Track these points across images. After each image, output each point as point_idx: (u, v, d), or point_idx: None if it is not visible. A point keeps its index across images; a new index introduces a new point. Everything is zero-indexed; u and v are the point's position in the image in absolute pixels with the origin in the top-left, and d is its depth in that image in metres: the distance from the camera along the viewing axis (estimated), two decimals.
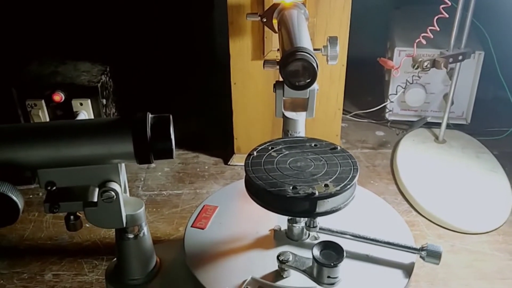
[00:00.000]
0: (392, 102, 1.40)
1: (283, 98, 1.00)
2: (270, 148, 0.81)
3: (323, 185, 0.72)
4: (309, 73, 0.91)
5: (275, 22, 1.17)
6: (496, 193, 1.27)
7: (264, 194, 0.72)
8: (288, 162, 0.78)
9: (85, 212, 0.71)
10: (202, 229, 0.84)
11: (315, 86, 0.98)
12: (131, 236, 0.77)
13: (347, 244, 0.80)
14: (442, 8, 1.17)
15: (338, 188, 0.72)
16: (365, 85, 1.73)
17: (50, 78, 1.43)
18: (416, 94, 1.51)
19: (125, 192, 0.76)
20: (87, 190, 0.71)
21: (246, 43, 1.29)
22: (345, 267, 0.72)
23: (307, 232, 0.82)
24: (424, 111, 1.55)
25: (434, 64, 1.28)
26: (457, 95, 1.47)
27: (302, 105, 1.02)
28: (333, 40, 1.08)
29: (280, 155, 0.80)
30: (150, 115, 0.69)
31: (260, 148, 0.81)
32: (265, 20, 1.18)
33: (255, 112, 1.39)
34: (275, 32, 1.17)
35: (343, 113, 1.61)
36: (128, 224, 0.75)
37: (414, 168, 1.37)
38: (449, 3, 1.16)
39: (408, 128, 1.47)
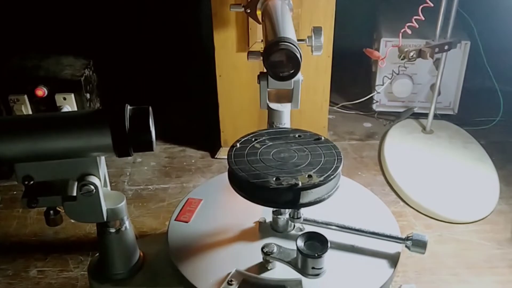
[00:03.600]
0: (378, 93, 1.40)
1: (268, 89, 0.99)
2: (253, 139, 0.80)
3: (306, 176, 0.72)
4: (293, 64, 0.89)
5: (259, 13, 1.15)
6: (483, 183, 1.27)
7: (247, 185, 0.71)
8: (271, 153, 0.77)
9: (64, 207, 0.70)
10: (186, 222, 0.83)
11: (299, 77, 0.97)
12: (112, 230, 0.76)
13: (332, 235, 0.80)
14: None
15: (321, 178, 0.71)
16: (352, 77, 1.72)
17: (33, 73, 1.41)
18: (403, 85, 1.50)
19: (105, 185, 0.75)
20: (66, 184, 0.70)
21: (231, 34, 1.27)
22: (331, 258, 0.72)
23: (292, 223, 0.81)
24: (411, 102, 1.55)
25: (420, 54, 1.27)
26: (444, 85, 1.47)
27: (287, 96, 1.01)
28: (317, 31, 1.06)
29: (264, 146, 0.79)
30: (128, 107, 0.68)
31: (243, 139, 0.80)
32: (249, 11, 1.16)
33: (241, 104, 1.38)
34: (259, 23, 1.15)
35: (330, 105, 1.61)
36: (109, 219, 0.73)
37: (402, 159, 1.36)
38: None
39: (395, 119, 1.47)
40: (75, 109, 1.40)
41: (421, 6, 1.16)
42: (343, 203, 0.84)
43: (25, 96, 1.38)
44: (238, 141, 0.80)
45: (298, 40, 1.10)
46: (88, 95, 1.42)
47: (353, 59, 1.62)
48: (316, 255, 0.69)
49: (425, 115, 1.46)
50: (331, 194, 0.73)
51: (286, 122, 1.01)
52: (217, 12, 1.25)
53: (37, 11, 1.61)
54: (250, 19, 1.21)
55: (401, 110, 1.55)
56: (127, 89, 1.66)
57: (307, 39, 1.08)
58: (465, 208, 1.20)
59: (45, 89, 1.37)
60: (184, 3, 1.72)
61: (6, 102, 1.39)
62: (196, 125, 1.56)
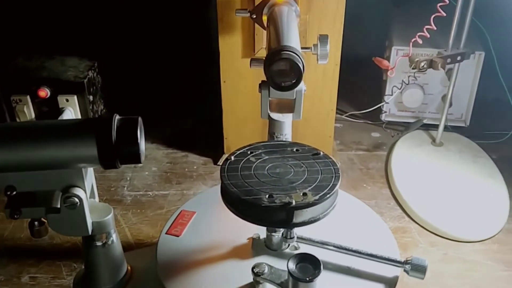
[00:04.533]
0: (387, 103, 1.35)
1: (269, 98, 0.95)
2: (249, 152, 0.77)
3: (301, 194, 0.68)
4: (295, 74, 0.86)
5: (264, 18, 1.12)
6: (493, 200, 1.23)
7: (239, 202, 0.68)
8: (266, 168, 0.74)
9: (48, 219, 0.67)
10: (177, 236, 0.80)
11: (302, 86, 0.94)
12: (99, 243, 0.73)
13: (328, 255, 0.76)
14: (440, 6, 1.12)
15: (316, 197, 0.68)
16: (363, 85, 1.68)
17: (36, 73, 1.39)
18: (414, 95, 1.46)
19: (92, 197, 0.72)
20: (50, 195, 0.67)
21: (236, 40, 1.24)
22: (325, 280, 0.68)
23: (295, 236, 0.78)
24: (421, 113, 1.51)
25: (431, 64, 1.23)
26: (456, 96, 1.43)
27: (289, 106, 0.97)
28: (323, 39, 1.03)
29: (259, 160, 0.75)
30: (117, 117, 0.65)
31: (238, 152, 0.77)
32: (254, 16, 1.13)
33: (246, 111, 1.34)
34: (265, 29, 1.12)
35: (338, 113, 1.58)
36: (95, 232, 0.71)
37: (409, 171, 1.32)
38: (447, 1, 1.11)
39: (403, 130, 1.43)
40: (78, 111, 1.39)
41: (433, 16, 1.12)
42: (341, 221, 0.81)
43: (28, 97, 1.36)
44: (233, 153, 0.77)
45: (303, 48, 1.07)
46: (91, 97, 1.40)
47: (364, 66, 1.57)
48: (308, 279, 0.65)
49: (436, 127, 1.42)
50: (327, 214, 0.70)
51: (287, 133, 0.98)
52: (223, 16, 1.22)
53: (45, 11, 1.59)
54: (257, 25, 1.18)
55: (411, 120, 1.51)
56: (132, 91, 1.64)
57: (312, 47, 1.05)
58: (472, 226, 1.16)
59: (47, 90, 1.35)
60: (193, 6, 1.70)
61: (8, 103, 1.37)
62: (201, 130, 1.53)
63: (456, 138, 1.44)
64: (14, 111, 1.38)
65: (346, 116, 1.58)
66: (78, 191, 0.66)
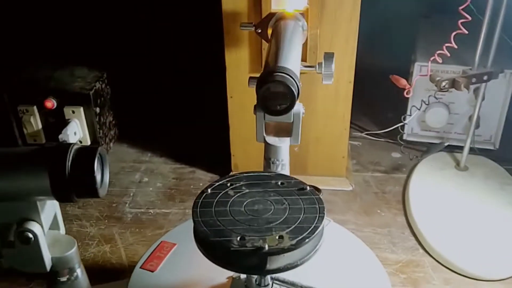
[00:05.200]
0: (405, 123, 1.26)
1: (266, 121, 0.89)
2: (228, 184, 0.71)
3: (277, 237, 0.61)
4: (288, 98, 0.79)
5: (270, 32, 1.05)
6: None
7: (208, 243, 0.62)
8: (244, 204, 0.67)
9: (2, 253, 0.62)
10: (152, 271, 0.74)
11: (300, 109, 0.87)
12: (62, 279, 0.68)
13: None
14: (463, 23, 1.02)
15: (294, 241, 0.60)
16: (386, 101, 1.58)
17: (43, 84, 1.37)
18: (438, 114, 1.36)
19: (56, 229, 0.67)
20: (6, 228, 0.62)
21: (243, 54, 1.18)
22: None
23: (269, 284, 0.71)
24: (446, 133, 1.40)
25: (454, 84, 1.13)
26: (485, 117, 1.32)
27: (287, 130, 0.90)
28: (328, 57, 0.96)
29: (238, 194, 0.69)
30: (74, 146, 0.60)
31: (217, 184, 0.71)
32: (259, 31, 1.07)
33: (253, 128, 1.26)
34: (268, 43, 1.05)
35: (358, 131, 1.49)
36: (55, 268, 0.66)
37: (428, 198, 1.22)
38: (470, 18, 1.01)
39: (423, 153, 1.33)
40: (84, 122, 1.36)
41: (453, 33, 1.02)
42: (332, 261, 0.73)
43: (35, 107, 1.34)
44: (210, 185, 0.70)
45: (308, 66, 1.00)
46: (97, 109, 1.37)
47: (389, 80, 1.49)
48: None
49: (461, 149, 1.31)
50: (306, 260, 0.62)
51: (284, 158, 0.91)
52: (230, 30, 1.16)
53: (58, 21, 1.58)
54: None
55: (435, 141, 1.41)
56: (141, 104, 1.61)
57: (317, 66, 0.98)
58: (492, 262, 1.05)
59: (54, 101, 1.33)
60: (204, 19, 1.64)
61: (16, 113, 1.35)
62: (210, 145, 1.47)
63: (482, 162, 1.33)
64: (21, 121, 1.36)
65: (365, 134, 1.49)
66: (33, 226, 0.61)
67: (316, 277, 0.71)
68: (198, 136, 1.51)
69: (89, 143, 1.38)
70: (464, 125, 1.37)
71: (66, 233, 1.17)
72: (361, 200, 1.27)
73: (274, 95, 0.79)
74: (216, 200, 0.67)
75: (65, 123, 1.34)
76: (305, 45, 1.12)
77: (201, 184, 1.35)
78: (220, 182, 0.71)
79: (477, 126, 1.31)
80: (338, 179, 1.30)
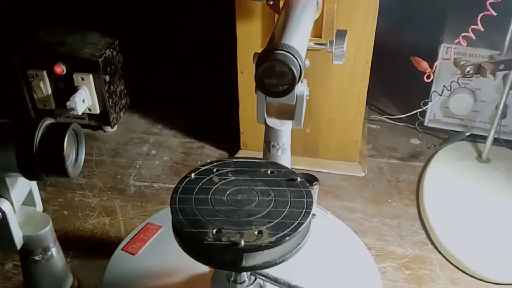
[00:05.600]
0: (425, 109, 1.18)
1: (267, 102, 0.83)
2: (215, 170, 0.66)
3: (255, 232, 0.56)
4: (287, 78, 0.73)
5: (282, 4, 0.99)
6: None
7: (182, 233, 0.58)
8: (227, 192, 0.62)
9: None
10: (133, 254, 0.71)
11: (304, 91, 0.81)
12: (37, 258, 0.65)
13: None
14: (491, 3, 0.94)
15: (273, 238, 0.56)
16: (410, 83, 1.50)
17: (54, 48, 1.34)
18: (462, 101, 1.27)
19: (32, 205, 0.64)
20: None
21: (255, 27, 1.12)
22: None
23: (246, 281, 0.67)
24: (471, 121, 1.32)
25: (479, 70, 1.05)
26: None
27: (290, 113, 0.85)
28: (340, 35, 0.89)
29: (223, 181, 0.64)
30: (45, 122, 0.56)
31: (203, 168, 0.66)
32: (271, 2, 1.01)
33: None
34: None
35: (377, 113, 1.43)
36: (28, 246, 0.63)
37: (443, 190, 1.16)
38: None
39: (442, 142, 1.25)
40: (93, 90, 1.33)
41: (480, 15, 0.94)
42: (323, 259, 0.68)
43: (44, 72, 1.32)
44: (195, 169, 0.66)
45: (318, 43, 0.94)
46: (107, 77, 1.33)
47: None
48: None
49: (485, 139, 1.23)
50: (287, 258, 0.58)
51: (285, 142, 0.86)
52: (241, 1, 1.09)
53: None
54: None
55: (458, 129, 1.33)
56: (154, 74, 1.56)
57: (328, 44, 0.91)
58: (504, 264, 0.99)
59: (63, 67, 1.30)
60: None
61: (26, 77, 1.33)
62: (221, 120, 1.43)
63: (507, 154, 1.25)
64: (31, 86, 1.34)
65: (385, 117, 1.41)
66: (2, 202, 0.58)
67: (302, 273, 0.67)
68: (210, 111, 1.47)
69: (98, 111, 1.35)
70: (490, 114, 1.29)
71: (67, 203, 1.16)
72: (372, 187, 1.21)
73: (273, 75, 0.73)
74: (198, 187, 0.63)
75: (74, 90, 1.31)
76: (320, 21, 1.05)
77: (208, 160, 1.30)
78: (206, 167, 0.66)
79: (504, 115, 1.22)
80: (350, 163, 1.24)
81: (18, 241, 0.62)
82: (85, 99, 1.32)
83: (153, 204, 1.17)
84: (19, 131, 0.55)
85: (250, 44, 1.14)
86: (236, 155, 1.30)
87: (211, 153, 1.33)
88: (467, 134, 1.21)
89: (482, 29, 0.95)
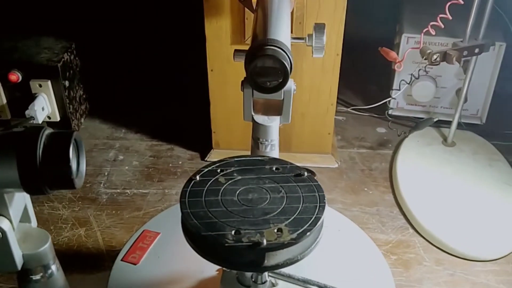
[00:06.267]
0: (393, 98, 1.21)
1: (254, 98, 0.82)
2: (219, 170, 0.64)
3: (275, 230, 0.55)
4: (280, 73, 0.72)
5: (254, 0, 0.98)
6: (509, 211, 1.09)
7: (199, 238, 0.56)
8: (237, 192, 0.61)
9: None
10: (134, 264, 0.68)
11: (291, 86, 0.81)
12: (36, 278, 0.61)
13: None
14: None
15: (294, 235, 0.55)
16: (372, 74, 1.53)
17: (7, 55, 1.26)
18: (425, 88, 1.32)
19: (27, 221, 0.60)
20: None
21: (225, 24, 1.10)
22: None
23: (267, 281, 0.66)
24: (433, 107, 1.36)
25: (445, 57, 1.08)
26: (472, 91, 1.28)
27: (276, 108, 0.84)
28: (319, 29, 0.89)
29: (230, 181, 0.62)
30: (46, 131, 0.52)
31: (206, 170, 0.64)
32: None
33: (236, 103, 1.20)
34: (253, 13, 0.98)
35: (343, 105, 1.44)
36: (27, 265, 0.59)
37: (416, 175, 1.19)
38: None
39: (411, 129, 1.28)
40: (52, 97, 1.26)
41: (448, 3, 0.97)
42: (330, 251, 0.68)
43: None
44: (199, 172, 0.64)
45: (297, 38, 0.94)
46: (67, 83, 1.28)
47: (375, 52, 1.43)
48: None
49: (448, 124, 1.27)
50: (307, 254, 0.57)
51: (274, 138, 0.85)
52: None
53: None
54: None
55: (421, 115, 1.37)
56: (114, 76, 1.51)
57: (307, 38, 0.91)
58: (484, 242, 1.03)
59: (19, 74, 1.23)
60: None
61: None
62: (190, 121, 1.40)
63: (470, 138, 1.30)
64: None
65: (351, 109, 1.44)
66: (1, 221, 0.54)
67: (311, 266, 0.66)
68: (176, 112, 1.44)
69: (58, 119, 1.29)
70: (451, 100, 1.34)
71: (37, 217, 1.10)
72: (347, 177, 1.22)
73: (265, 71, 0.72)
74: (206, 189, 0.61)
75: (32, 97, 1.24)
76: (291, 15, 1.04)
77: (180, 162, 1.28)
78: (209, 168, 0.64)
79: (465, 100, 1.27)
80: (323, 156, 1.25)
81: (19, 261, 0.58)
82: (44, 107, 1.25)
83: (129, 211, 1.13)
84: (19, 143, 0.51)
85: (219, 41, 1.12)
86: (208, 155, 1.28)
87: (182, 154, 1.30)
88: (435, 119, 1.25)
89: (450, 17, 0.98)
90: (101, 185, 1.21)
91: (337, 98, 1.41)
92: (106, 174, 1.24)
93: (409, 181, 1.17)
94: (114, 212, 1.13)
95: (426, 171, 1.20)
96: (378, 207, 1.14)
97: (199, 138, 1.32)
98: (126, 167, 1.26)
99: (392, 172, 1.22)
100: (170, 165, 1.27)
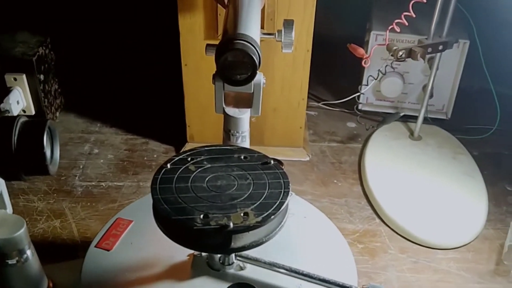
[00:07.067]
0: (362, 93, 1.25)
1: (225, 91, 0.85)
2: (189, 159, 0.67)
3: (241, 214, 0.59)
4: (249, 67, 0.76)
5: None
6: (470, 202, 1.14)
7: (169, 222, 0.58)
8: (206, 179, 0.64)
9: None
10: (108, 250, 0.70)
11: (261, 79, 0.84)
12: (11, 262, 0.63)
13: (277, 278, 0.67)
14: None
15: (259, 218, 0.58)
16: (343, 69, 1.57)
17: None
18: (393, 84, 1.36)
19: (3, 207, 0.62)
20: None
21: (198, 19, 1.13)
22: None
23: (234, 262, 0.69)
24: (401, 103, 1.41)
25: (410, 54, 1.13)
26: (437, 87, 1.33)
27: (247, 101, 0.87)
28: (288, 25, 0.92)
29: (199, 169, 0.65)
30: (21, 119, 0.55)
31: (176, 158, 0.67)
32: None
33: (210, 97, 1.20)
34: (225, 8, 1.01)
35: (314, 100, 1.48)
36: (3, 250, 0.61)
37: (383, 168, 1.23)
38: None
39: (379, 123, 1.33)
40: (27, 91, 1.27)
41: (412, 1, 1.01)
42: (296, 236, 0.72)
43: None
44: (170, 160, 0.67)
45: (267, 34, 0.97)
46: (42, 76, 1.29)
47: (345, 49, 1.47)
48: None
49: (415, 118, 1.32)
50: (272, 236, 0.60)
51: (244, 130, 0.88)
52: None
53: None
54: None
55: (390, 111, 1.41)
56: (89, 70, 1.53)
57: (276, 34, 0.94)
58: (446, 231, 1.08)
59: None
60: None
61: None
62: (164, 115, 1.42)
63: (436, 132, 1.35)
64: None
65: (321, 104, 1.47)
66: None
67: (279, 251, 0.70)
68: (151, 106, 1.46)
69: (33, 112, 1.30)
70: (418, 95, 1.38)
71: (12, 209, 1.12)
72: (318, 170, 1.26)
73: (235, 64, 0.75)
74: (176, 176, 0.64)
75: (7, 91, 1.25)
76: (262, 12, 1.08)
77: (155, 156, 1.30)
78: (180, 157, 0.67)
79: (431, 96, 1.32)
80: (295, 149, 1.29)
81: None
82: (19, 100, 1.26)
83: (104, 203, 1.15)
84: None
85: (193, 36, 1.15)
86: (183, 149, 1.30)
87: (157, 148, 1.32)
88: (402, 114, 1.29)
89: (414, 15, 1.02)
90: (76, 178, 1.22)
91: (309, 93, 1.45)
92: (81, 167, 1.26)
93: (377, 173, 1.21)
94: (89, 204, 1.15)
95: (393, 163, 1.24)
96: (347, 198, 1.18)
97: (173, 132, 1.34)
98: (101, 161, 1.28)
99: (361, 164, 1.27)
100: (145, 158, 1.29)
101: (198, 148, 0.70)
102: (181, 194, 0.61)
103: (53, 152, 0.57)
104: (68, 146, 1.32)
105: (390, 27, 1.06)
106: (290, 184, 0.64)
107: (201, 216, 0.58)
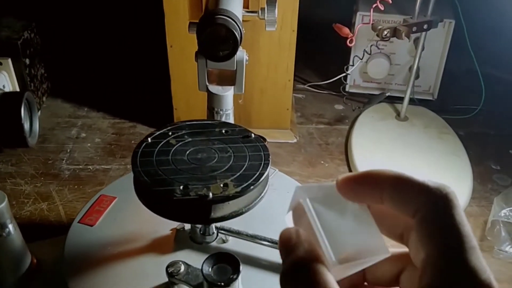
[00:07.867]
0: (348, 74, 1.26)
1: (208, 69, 0.85)
2: (170, 133, 0.67)
3: (221, 185, 0.59)
4: (230, 42, 0.76)
5: None
6: (455, 180, 1.15)
7: (149, 193, 0.59)
8: (187, 152, 0.64)
9: None
10: (91, 225, 0.70)
11: (243, 56, 0.84)
12: None
13: (260, 251, 0.68)
14: None
15: (238, 189, 0.59)
16: (330, 51, 1.57)
17: None
18: (379, 65, 1.37)
19: None
20: None
21: (183, 0, 1.12)
22: (256, 280, 0.60)
23: (214, 233, 0.69)
24: (388, 84, 1.42)
25: (395, 33, 1.13)
26: (424, 67, 1.34)
27: (230, 78, 0.87)
28: (271, 2, 0.92)
29: (180, 143, 0.66)
30: None
31: (158, 133, 0.67)
32: None
33: (196, 79, 1.23)
34: None
35: (301, 83, 1.48)
36: None
37: (369, 148, 1.24)
38: None
39: (364, 104, 1.33)
40: (13, 75, 1.27)
41: None
42: (279, 210, 0.72)
43: None
44: (151, 134, 0.67)
45: (250, 11, 0.97)
46: (27, 61, 1.28)
47: (333, 32, 1.47)
48: (222, 283, 0.57)
49: (402, 99, 1.33)
50: (251, 207, 0.61)
51: (228, 108, 0.88)
52: None
53: None
54: None
55: (377, 92, 1.42)
56: (75, 55, 1.52)
57: (259, 11, 0.94)
58: None
59: None
60: None
61: None
62: (152, 99, 1.42)
63: (422, 112, 1.36)
64: None
65: (308, 86, 1.48)
66: None
67: (261, 225, 0.70)
68: (137, 89, 1.46)
69: None
70: (405, 76, 1.39)
71: None
72: (305, 151, 1.27)
73: (216, 40, 0.76)
74: (157, 149, 0.64)
75: None
76: None
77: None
78: (161, 131, 0.68)
79: (417, 76, 1.33)
80: (282, 131, 1.30)
81: None
82: (5, 84, 1.25)
83: (91, 186, 1.15)
84: None
85: (178, 17, 1.14)
86: None
87: (145, 131, 1.32)
88: (387, 94, 1.30)
89: None
90: (64, 161, 1.22)
91: (297, 76, 1.46)
92: (68, 151, 1.25)
93: (363, 153, 1.22)
94: (76, 187, 1.15)
95: (379, 144, 1.25)
96: (333, 178, 1.18)
97: (161, 115, 1.34)
98: (89, 144, 1.28)
99: (348, 145, 1.27)
100: (133, 142, 1.29)
101: (179, 122, 0.70)
102: (161, 167, 0.61)
103: (32, 125, 0.57)
104: (55, 130, 1.32)
105: (374, 5, 1.06)
106: (270, 156, 0.64)
107: (181, 187, 0.58)
